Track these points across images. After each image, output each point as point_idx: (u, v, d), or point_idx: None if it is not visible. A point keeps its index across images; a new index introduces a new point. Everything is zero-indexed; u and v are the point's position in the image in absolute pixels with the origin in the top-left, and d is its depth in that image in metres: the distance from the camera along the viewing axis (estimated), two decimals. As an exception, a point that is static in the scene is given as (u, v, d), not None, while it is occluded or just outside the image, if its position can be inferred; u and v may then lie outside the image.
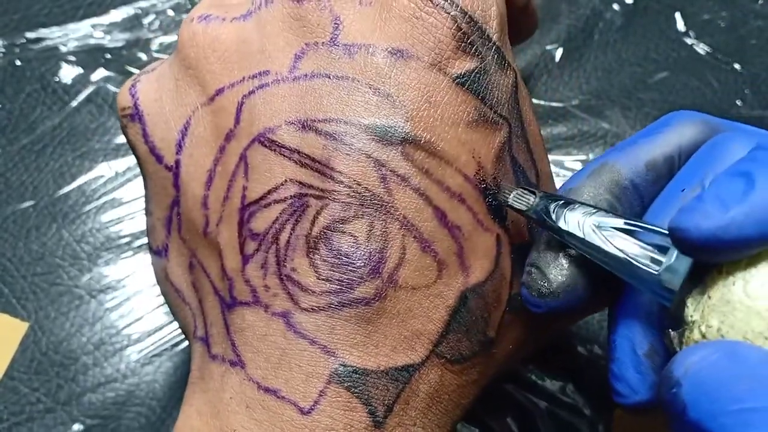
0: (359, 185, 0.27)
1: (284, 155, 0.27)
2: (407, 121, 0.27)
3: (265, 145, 0.28)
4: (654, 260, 0.25)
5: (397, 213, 0.27)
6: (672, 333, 0.24)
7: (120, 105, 0.31)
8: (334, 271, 0.27)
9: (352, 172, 0.27)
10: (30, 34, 0.48)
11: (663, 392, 0.22)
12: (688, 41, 0.48)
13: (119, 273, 0.43)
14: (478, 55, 0.28)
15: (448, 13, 0.28)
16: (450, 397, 0.29)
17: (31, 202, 0.45)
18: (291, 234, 0.27)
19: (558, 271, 0.27)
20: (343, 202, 0.27)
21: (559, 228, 0.27)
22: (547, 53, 0.48)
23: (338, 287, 0.27)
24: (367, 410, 0.27)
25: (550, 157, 0.45)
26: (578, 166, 0.45)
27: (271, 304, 0.28)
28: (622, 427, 0.39)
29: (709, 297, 0.23)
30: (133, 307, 0.43)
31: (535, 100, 0.47)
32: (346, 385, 0.27)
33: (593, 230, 0.26)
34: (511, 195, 0.28)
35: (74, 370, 0.41)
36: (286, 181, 0.27)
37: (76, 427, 0.40)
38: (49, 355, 0.41)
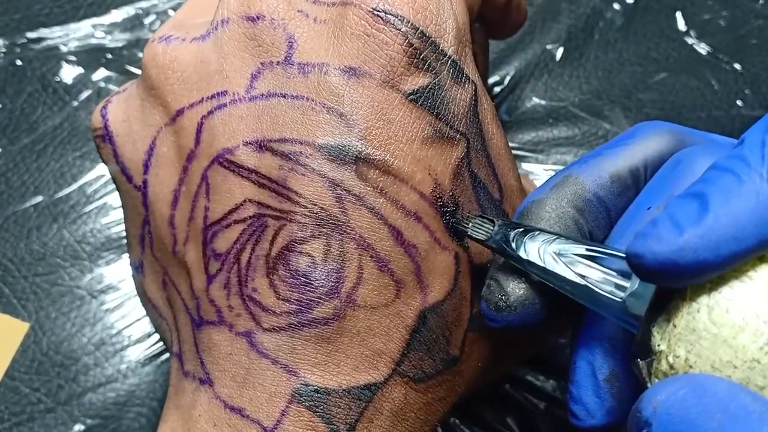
0: (315, 205, 0.27)
1: (242, 176, 0.27)
2: (360, 140, 0.27)
3: (225, 166, 0.28)
4: (618, 286, 0.24)
5: (353, 233, 0.27)
6: (641, 362, 0.23)
7: (93, 126, 0.31)
8: (293, 291, 0.27)
9: (308, 192, 0.27)
10: (31, 34, 0.48)
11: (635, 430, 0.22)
12: (689, 41, 0.48)
13: (120, 273, 0.43)
14: (431, 71, 0.28)
15: (399, 30, 0.27)
16: (416, 414, 0.29)
17: (32, 203, 0.45)
18: (251, 254, 0.27)
19: (516, 284, 0.26)
20: (299, 222, 0.27)
21: (519, 257, 0.26)
22: (547, 52, 0.48)
23: (297, 307, 0.27)
24: (329, 429, 0.27)
25: (550, 158, 0.45)
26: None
27: (234, 324, 0.28)
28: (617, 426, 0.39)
29: (674, 326, 0.22)
30: (134, 308, 0.43)
31: (535, 100, 0.47)
32: (307, 404, 0.27)
33: (554, 258, 0.25)
34: (470, 224, 0.28)
35: (75, 370, 0.41)
36: (245, 201, 0.27)
37: (77, 427, 0.40)
38: (50, 356, 0.41)
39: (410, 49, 0.27)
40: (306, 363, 0.27)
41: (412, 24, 0.27)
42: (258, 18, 0.28)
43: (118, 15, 0.49)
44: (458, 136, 0.28)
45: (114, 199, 0.45)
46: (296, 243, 0.27)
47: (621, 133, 0.29)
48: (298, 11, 0.28)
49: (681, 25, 0.48)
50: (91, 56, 0.48)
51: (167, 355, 0.42)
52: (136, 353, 0.42)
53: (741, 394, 0.20)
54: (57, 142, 0.46)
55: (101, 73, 0.47)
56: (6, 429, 0.40)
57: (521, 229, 0.26)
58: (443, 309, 0.28)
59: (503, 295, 0.26)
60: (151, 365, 0.41)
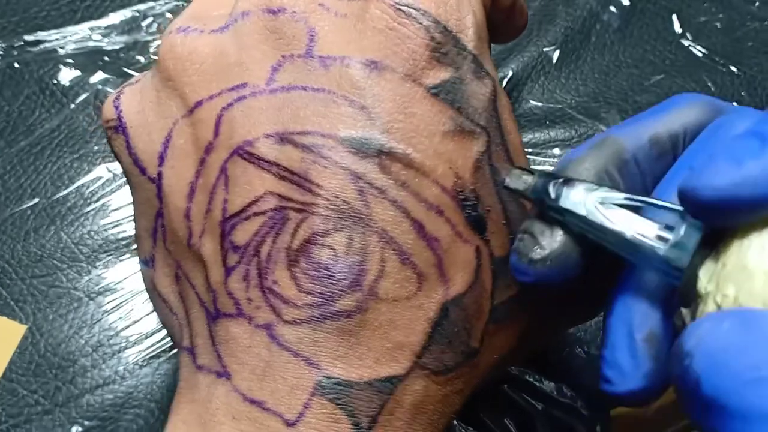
0: (337, 198, 0.27)
1: (263, 168, 0.27)
2: (383, 133, 0.27)
3: (245, 158, 0.28)
4: (660, 238, 0.24)
5: (376, 226, 0.27)
6: (684, 311, 0.22)
7: (104, 117, 0.31)
8: (314, 283, 0.27)
9: (330, 185, 0.27)
10: (28, 37, 0.48)
11: (674, 367, 0.21)
12: (685, 43, 0.48)
13: (118, 275, 0.43)
14: (453, 65, 0.28)
15: (422, 24, 0.28)
16: (435, 407, 0.29)
17: (30, 204, 0.45)
18: (272, 247, 0.27)
19: (552, 237, 0.26)
20: (322, 215, 0.27)
21: (560, 207, 0.26)
22: (544, 55, 0.48)
23: (319, 300, 0.27)
24: (351, 422, 0.27)
25: (547, 160, 0.45)
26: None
27: (254, 317, 0.28)
28: (618, 428, 0.39)
29: (724, 265, 0.21)
30: (132, 309, 0.43)
31: (532, 102, 0.47)
32: (330, 397, 0.27)
33: (596, 207, 0.25)
34: (509, 176, 0.28)
35: (72, 372, 0.41)
36: (265, 193, 0.27)
37: (75, 429, 0.40)
38: (48, 357, 0.41)
39: (433, 44, 0.28)
40: (328, 355, 0.27)
41: (434, 18, 0.28)
42: (279, 11, 0.28)
43: (115, 18, 0.49)
44: (479, 130, 0.29)
45: (112, 201, 0.45)
46: (318, 235, 0.27)
47: (659, 103, 0.29)
48: (319, 4, 0.28)
49: (677, 27, 0.48)
50: (88, 59, 0.48)
51: (165, 356, 0.42)
52: (133, 355, 0.42)
53: None
54: (54, 145, 0.46)
55: (99, 76, 0.47)
56: (3, 431, 0.40)
57: (561, 180, 0.26)
58: (465, 301, 0.28)
59: (538, 246, 0.26)
60: (149, 367, 0.41)
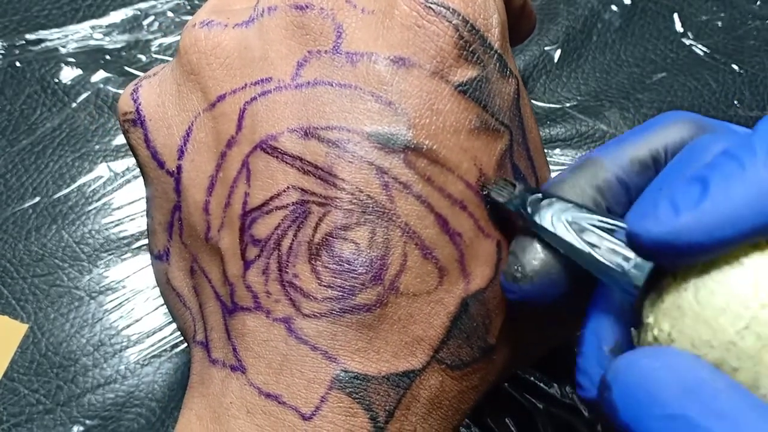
0: (361, 192, 0.27)
1: (286, 162, 0.28)
2: (409, 129, 0.27)
3: (268, 152, 0.28)
4: (625, 257, 0.24)
5: (399, 220, 0.27)
6: (633, 331, 0.24)
7: (121, 110, 0.31)
8: (335, 277, 0.27)
9: (354, 179, 0.27)
10: (30, 36, 0.48)
11: (599, 394, 0.22)
12: (686, 42, 0.48)
13: (119, 274, 0.43)
14: (479, 63, 0.28)
15: (450, 22, 0.28)
16: (450, 402, 0.29)
17: (31, 203, 0.45)
18: (293, 240, 0.27)
19: (531, 256, 0.27)
20: (345, 209, 0.27)
21: (534, 222, 0.26)
22: (545, 54, 0.48)
23: (340, 294, 0.27)
24: (368, 416, 0.27)
25: (548, 159, 0.45)
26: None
27: (272, 310, 0.28)
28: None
29: (662, 300, 0.22)
30: (133, 309, 0.43)
31: (533, 102, 0.47)
32: (347, 390, 0.27)
33: (565, 225, 0.26)
34: (493, 186, 0.28)
35: (74, 371, 0.41)
36: (288, 187, 0.27)
37: (76, 428, 0.40)
38: (49, 357, 0.41)
39: (461, 42, 0.28)
40: (346, 349, 0.27)
41: (463, 17, 0.28)
42: (307, 7, 0.29)
43: (116, 16, 0.49)
44: (502, 128, 0.29)
45: (113, 200, 0.45)
46: (341, 229, 0.27)
47: (645, 122, 0.29)
48: (346, 1, 0.29)
49: (678, 26, 0.48)
50: (90, 58, 0.48)
51: (167, 355, 0.42)
52: (135, 354, 0.42)
53: (700, 369, 0.21)
54: (56, 144, 0.46)
55: (100, 75, 0.47)
56: (5, 430, 0.40)
57: (539, 195, 0.27)
58: (485, 297, 0.28)
59: (519, 266, 0.27)
60: (151, 366, 0.41)
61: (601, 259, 0.25)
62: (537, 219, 0.26)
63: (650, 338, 0.23)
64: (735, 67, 0.47)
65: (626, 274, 0.24)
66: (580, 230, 0.26)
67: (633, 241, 0.22)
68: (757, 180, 0.21)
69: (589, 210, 0.26)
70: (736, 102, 0.46)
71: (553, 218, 0.26)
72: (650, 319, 0.23)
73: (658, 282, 0.23)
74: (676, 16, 0.49)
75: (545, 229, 0.26)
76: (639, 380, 0.21)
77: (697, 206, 0.21)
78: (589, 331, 0.26)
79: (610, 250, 0.25)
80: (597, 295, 0.26)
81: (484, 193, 0.28)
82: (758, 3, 0.49)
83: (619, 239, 0.25)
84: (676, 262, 0.22)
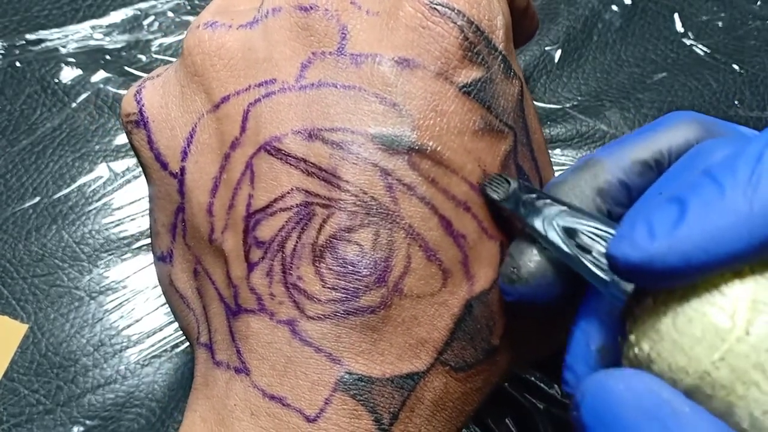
0: (365, 194, 0.27)
1: (291, 164, 0.28)
2: (414, 131, 0.27)
3: (272, 154, 0.28)
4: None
5: (403, 222, 0.27)
6: (620, 340, 0.23)
7: (125, 111, 0.31)
8: (339, 279, 0.27)
9: (358, 181, 0.27)
10: (30, 36, 0.48)
11: (570, 412, 0.22)
12: (687, 42, 0.48)
13: (119, 274, 0.43)
14: (484, 65, 0.28)
15: (455, 23, 0.28)
16: (454, 404, 0.29)
17: (31, 203, 0.45)
18: (297, 242, 0.27)
19: (528, 258, 0.27)
20: (349, 210, 0.27)
21: (527, 222, 0.26)
22: (545, 54, 0.48)
23: (344, 296, 0.27)
24: (372, 418, 0.27)
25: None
26: (577, 167, 0.45)
27: (276, 312, 0.28)
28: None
29: (643, 321, 0.22)
30: (133, 309, 0.43)
31: (534, 102, 0.47)
32: (351, 392, 0.27)
33: (556, 229, 0.26)
34: (490, 183, 0.28)
35: (74, 371, 0.41)
36: (292, 189, 0.27)
37: (76, 428, 0.40)
38: (49, 357, 0.41)
39: (465, 43, 0.28)
40: (350, 351, 0.27)
41: (467, 18, 0.28)
42: (311, 8, 0.29)
43: (116, 16, 0.49)
44: (506, 129, 0.29)
45: (113, 200, 0.45)
46: (345, 231, 0.27)
47: (648, 123, 0.29)
48: (350, 2, 0.29)
49: (679, 26, 0.48)
50: (90, 58, 0.48)
51: (167, 356, 0.42)
52: (135, 354, 0.42)
53: (663, 393, 0.21)
54: (56, 144, 0.46)
55: (100, 75, 0.47)
56: (5, 430, 0.40)
57: (534, 195, 0.27)
58: (489, 298, 0.28)
59: (515, 267, 0.27)
60: (151, 366, 0.41)
61: (590, 266, 0.25)
62: (529, 220, 0.26)
63: (631, 355, 0.22)
64: (735, 67, 0.47)
65: (614, 282, 0.24)
66: (572, 234, 0.25)
67: (611, 264, 0.22)
68: (735, 208, 0.20)
69: (584, 213, 0.26)
70: (736, 102, 0.46)
71: (545, 221, 0.26)
72: (632, 337, 0.22)
73: (643, 297, 0.23)
74: (676, 16, 0.49)
75: (537, 231, 0.26)
76: (604, 402, 0.21)
77: (672, 231, 0.21)
78: (579, 329, 0.26)
79: (601, 254, 0.25)
80: (588, 294, 0.26)
81: (482, 189, 0.28)
82: (759, 3, 0.49)
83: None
84: (654, 285, 0.22)
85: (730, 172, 0.21)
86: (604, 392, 0.21)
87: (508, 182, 0.28)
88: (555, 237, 0.26)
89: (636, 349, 0.22)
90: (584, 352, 0.25)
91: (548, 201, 0.26)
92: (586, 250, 0.25)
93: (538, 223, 0.26)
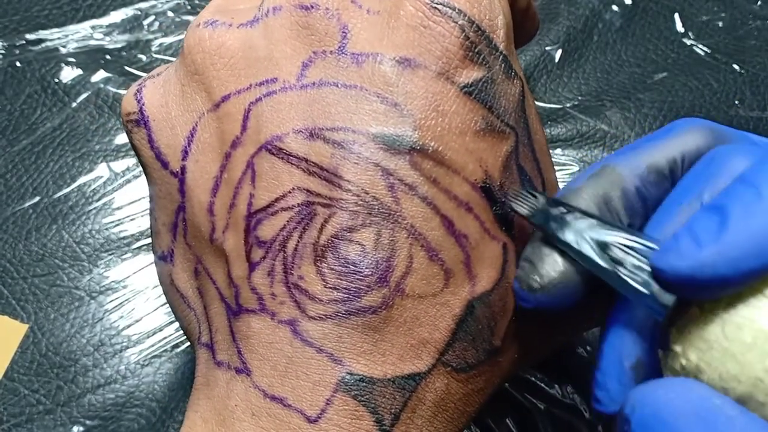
0: (367, 194, 0.27)
1: (292, 163, 0.27)
2: (415, 130, 0.27)
3: (273, 153, 0.28)
4: (650, 274, 0.24)
5: (405, 222, 0.27)
6: (661, 353, 0.23)
7: (125, 110, 0.31)
8: (341, 279, 0.27)
9: (360, 180, 0.27)
10: (30, 36, 0.48)
11: (619, 428, 0.22)
12: (687, 42, 0.48)
13: (119, 274, 0.43)
14: (485, 65, 0.28)
15: (456, 23, 0.28)
16: (456, 405, 0.29)
17: (31, 203, 0.45)
18: (298, 242, 0.27)
19: (551, 266, 0.26)
20: (350, 210, 0.27)
21: (557, 236, 0.26)
22: (546, 54, 0.48)
23: (345, 296, 0.27)
24: (374, 419, 0.27)
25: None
26: (576, 168, 0.45)
27: (277, 312, 0.27)
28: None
29: (690, 332, 0.22)
30: (133, 309, 0.43)
31: (534, 101, 0.47)
32: (353, 393, 0.27)
33: (590, 243, 0.25)
34: (516, 198, 0.28)
35: (74, 371, 0.41)
36: (293, 189, 0.27)
37: (76, 428, 0.40)
38: (49, 357, 0.41)
39: (466, 42, 0.28)
40: (352, 352, 0.27)
41: (469, 18, 0.28)
42: (312, 7, 0.29)
43: (117, 16, 0.49)
44: (508, 129, 0.29)
45: (113, 199, 0.45)
46: (346, 231, 0.27)
47: (658, 129, 0.29)
48: (351, 2, 0.28)
49: (679, 26, 0.48)
50: (90, 57, 0.48)
51: (167, 356, 0.42)
52: (135, 354, 0.42)
53: (714, 399, 0.20)
54: (56, 143, 0.46)
55: (100, 75, 0.47)
56: (5, 430, 0.40)
57: (563, 209, 0.27)
58: (491, 299, 0.28)
59: (536, 275, 0.26)
60: (151, 366, 0.41)
61: (628, 279, 0.24)
62: (561, 235, 0.26)
63: (678, 366, 0.22)
64: (736, 67, 0.47)
65: (653, 295, 0.24)
66: (605, 247, 0.25)
67: (658, 277, 0.22)
68: None
69: (613, 226, 0.26)
70: (737, 102, 0.46)
71: (576, 233, 0.26)
72: (678, 348, 0.22)
73: (686, 308, 0.23)
74: (677, 16, 0.49)
75: (568, 245, 0.26)
76: (658, 413, 0.21)
77: (718, 238, 0.21)
78: (609, 346, 0.26)
79: (635, 267, 0.24)
80: (617, 309, 0.26)
81: (510, 206, 0.28)
82: (759, 3, 0.49)
83: (644, 256, 0.25)
84: (702, 295, 0.22)
85: (765, 177, 0.21)
86: (656, 403, 0.21)
87: (535, 196, 0.28)
88: (589, 251, 0.25)
89: (683, 360, 0.22)
90: (617, 368, 0.25)
91: (577, 214, 0.26)
92: (619, 263, 0.25)
93: (570, 237, 0.26)
